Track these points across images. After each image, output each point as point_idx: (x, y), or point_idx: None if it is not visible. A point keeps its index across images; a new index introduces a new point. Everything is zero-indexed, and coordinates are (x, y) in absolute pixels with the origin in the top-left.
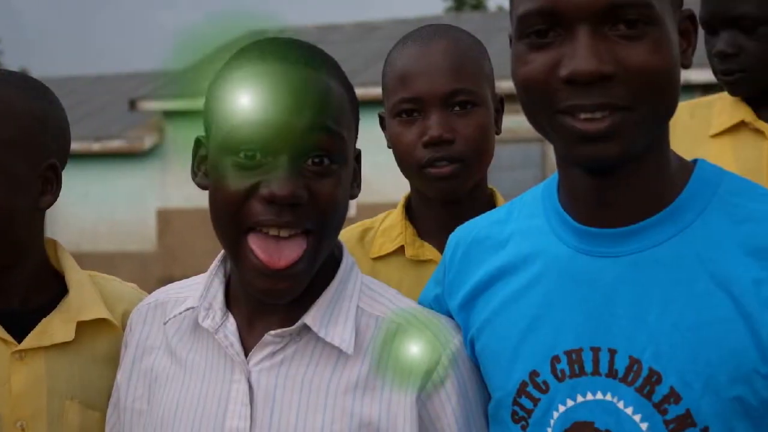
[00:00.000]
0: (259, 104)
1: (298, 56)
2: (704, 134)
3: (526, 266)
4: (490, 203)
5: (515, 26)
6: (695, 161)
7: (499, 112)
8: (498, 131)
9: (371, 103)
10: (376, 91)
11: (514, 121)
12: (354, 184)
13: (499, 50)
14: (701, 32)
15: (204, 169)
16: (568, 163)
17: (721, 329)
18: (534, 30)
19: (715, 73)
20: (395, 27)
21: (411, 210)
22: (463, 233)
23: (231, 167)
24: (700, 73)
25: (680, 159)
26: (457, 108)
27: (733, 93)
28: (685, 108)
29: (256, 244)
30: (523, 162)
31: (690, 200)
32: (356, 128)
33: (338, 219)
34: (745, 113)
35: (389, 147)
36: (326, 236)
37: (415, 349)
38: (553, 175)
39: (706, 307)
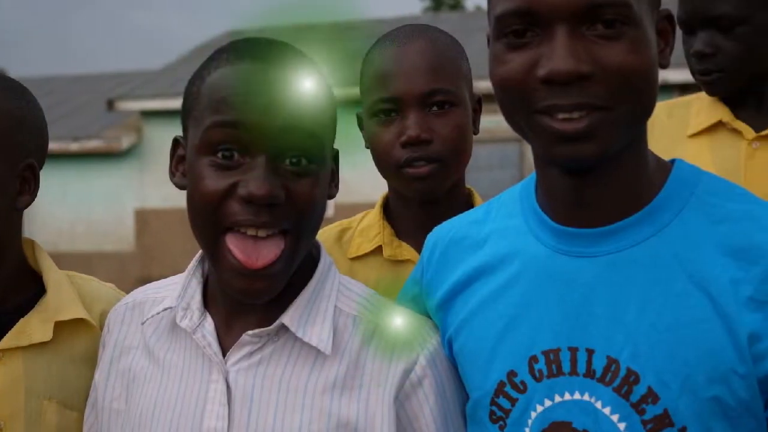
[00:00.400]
0: (236, 104)
1: (276, 56)
2: (682, 134)
3: (503, 266)
4: (467, 203)
5: (493, 26)
6: (673, 161)
7: (477, 112)
8: (476, 131)
9: (349, 102)
10: (354, 90)
11: (492, 121)
12: (332, 184)
13: (477, 50)
14: (679, 32)
15: (182, 169)
16: (546, 162)
17: (698, 329)
18: (512, 30)
19: (692, 73)
20: (373, 27)
21: (389, 210)
22: (441, 233)
23: (209, 167)
24: (677, 73)
25: (658, 159)
26: (435, 108)
27: (710, 93)
28: (663, 108)
29: (233, 244)
30: (501, 162)
31: (668, 200)
32: (334, 128)
33: (316, 219)
34: (722, 113)
35: (367, 147)
36: (304, 236)
37: (392, 349)
38: (531, 175)
39: (683, 307)
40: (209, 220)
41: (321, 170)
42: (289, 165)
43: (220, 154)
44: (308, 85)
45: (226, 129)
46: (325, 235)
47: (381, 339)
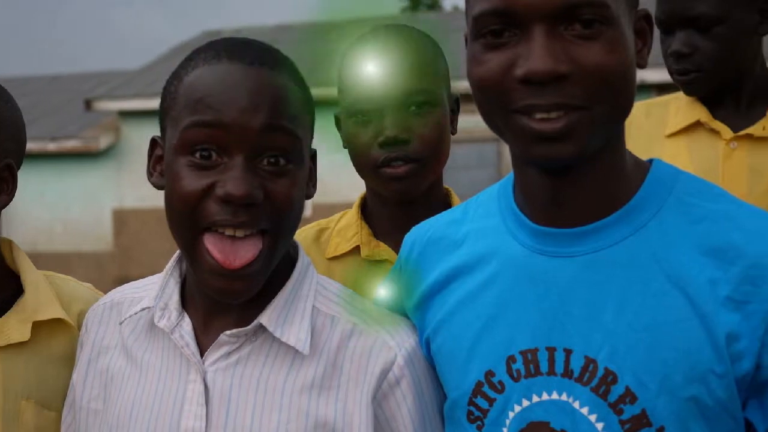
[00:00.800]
0: (214, 104)
1: (253, 56)
2: (660, 134)
3: (481, 266)
4: (445, 203)
5: (471, 26)
6: (651, 161)
7: (455, 112)
8: (454, 131)
9: (327, 102)
10: (332, 90)
11: (470, 120)
12: (310, 184)
13: (455, 50)
14: (656, 32)
15: (160, 169)
16: (524, 162)
17: (676, 329)
18: (489, 30)
19: (670, 72)
20: (351, 26)
21: (367, 210)
22: (418, 233)
23: (186, 167)
24: (655, 73)
25: (636, 159)
26: (413, 108)
27: (688, 93)
28: (641, 107)
29: (211, 244)
30: (479, 162)
31: (646, 200)
32: (312, 128)
33: (294, 219)
34: (700, 113)
35: (345, 147)
36: (282, 236)
37: (370, 349)
38: (509, 175)
39: (661, 307)
40: (187, 220)
41: (299, 170)
42: (267, 165)
43: (197, 154)
44: (285, 85)
45: (204, 129)
46: (302, 235)
47: (359, 339)
